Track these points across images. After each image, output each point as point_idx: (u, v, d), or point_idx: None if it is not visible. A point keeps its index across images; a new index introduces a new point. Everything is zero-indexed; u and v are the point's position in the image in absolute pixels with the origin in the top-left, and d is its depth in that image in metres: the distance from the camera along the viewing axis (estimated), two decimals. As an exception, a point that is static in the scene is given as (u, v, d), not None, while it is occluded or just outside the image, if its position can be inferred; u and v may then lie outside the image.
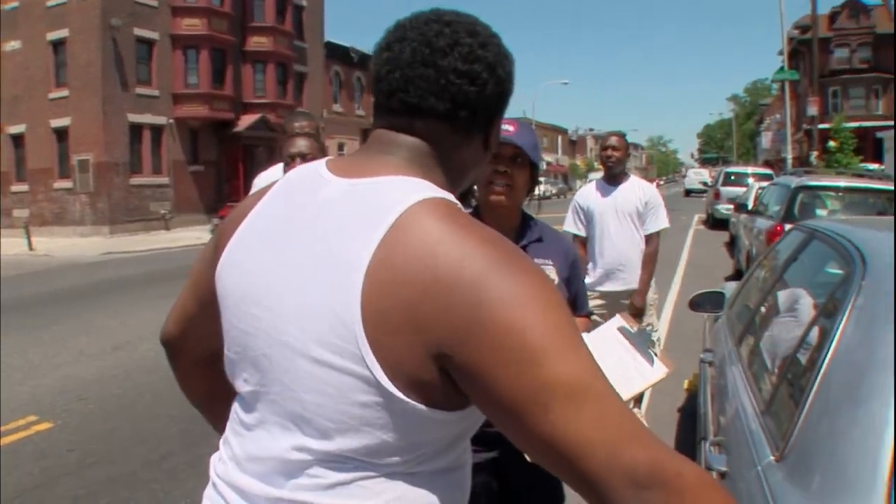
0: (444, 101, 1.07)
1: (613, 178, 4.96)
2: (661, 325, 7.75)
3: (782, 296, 2.76)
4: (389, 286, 0.93)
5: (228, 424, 1.18)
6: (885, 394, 1.46)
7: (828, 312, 1.99)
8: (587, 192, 5.08)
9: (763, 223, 9.48)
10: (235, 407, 1.17)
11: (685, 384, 4.97)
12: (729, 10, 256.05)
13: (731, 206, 15.13)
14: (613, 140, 4.92)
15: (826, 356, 1.73)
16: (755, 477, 1.71)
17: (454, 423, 1.02)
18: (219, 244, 1.18)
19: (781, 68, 26.83)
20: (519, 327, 0.89)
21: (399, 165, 1.07)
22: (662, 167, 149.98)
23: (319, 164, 1.12)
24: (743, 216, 11.74)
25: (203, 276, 1.23)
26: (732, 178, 22.03)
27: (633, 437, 0.87)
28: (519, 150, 2.19)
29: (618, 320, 2.15)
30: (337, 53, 40.99)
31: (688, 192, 44.53)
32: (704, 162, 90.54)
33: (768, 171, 20.77)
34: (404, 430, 0.98)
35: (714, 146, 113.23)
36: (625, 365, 1.99)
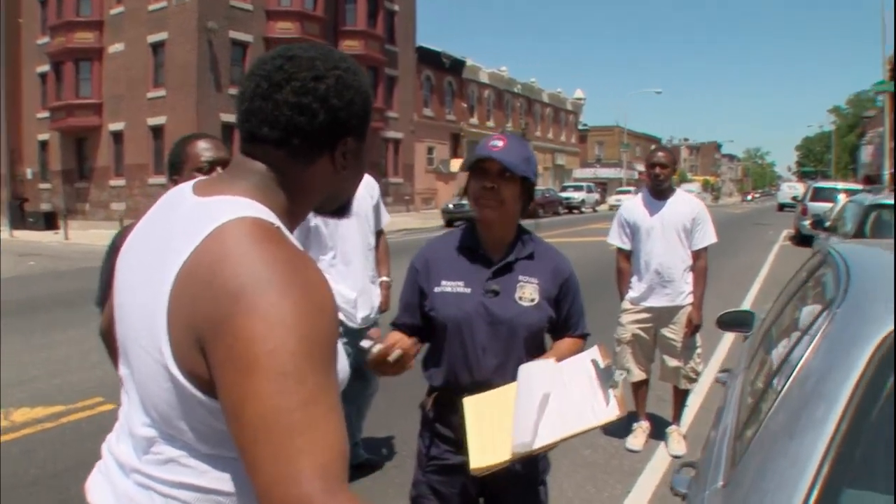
0: (277, 130, 1.18)
1: (661, 192, 4.88)
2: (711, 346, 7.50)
3: (786, 319, 2.68)
4: (186, 290, 1.05)
5: None
6: (819, 428, 1.40)
7: (810, 338, 1.93)
8: (632, 206, 5.02)
9: (835, 242, 8.96)
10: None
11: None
12: (832, 17, 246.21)
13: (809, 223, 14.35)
14: (661, 156, 4.85)
15: (786, 384, 1.68)
16: (699, 503, 1.68)
17: None
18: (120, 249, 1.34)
19: (882, 80, 25.61)
20: (249, 339, 0.97)
21: (244, 188, 1.18)
22: (759, 180, 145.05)
23: (188, 185, 1.25)
24: (822, 234, 11.23)
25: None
26: (824, 193, 21.15)
27: (299, 477, 0.92)
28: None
29: (594, 352, 2.10)
30: (428, 58, 41.25)
31: (781, 207, 42.92)
32: (802, 176, 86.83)
33: (859, 187, 19.74)
34: (201, 417, 1.09)
35: (813, 160, 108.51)
36: (584, 398, 1.96)
